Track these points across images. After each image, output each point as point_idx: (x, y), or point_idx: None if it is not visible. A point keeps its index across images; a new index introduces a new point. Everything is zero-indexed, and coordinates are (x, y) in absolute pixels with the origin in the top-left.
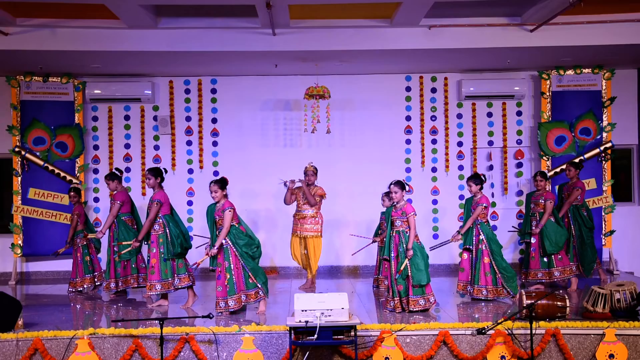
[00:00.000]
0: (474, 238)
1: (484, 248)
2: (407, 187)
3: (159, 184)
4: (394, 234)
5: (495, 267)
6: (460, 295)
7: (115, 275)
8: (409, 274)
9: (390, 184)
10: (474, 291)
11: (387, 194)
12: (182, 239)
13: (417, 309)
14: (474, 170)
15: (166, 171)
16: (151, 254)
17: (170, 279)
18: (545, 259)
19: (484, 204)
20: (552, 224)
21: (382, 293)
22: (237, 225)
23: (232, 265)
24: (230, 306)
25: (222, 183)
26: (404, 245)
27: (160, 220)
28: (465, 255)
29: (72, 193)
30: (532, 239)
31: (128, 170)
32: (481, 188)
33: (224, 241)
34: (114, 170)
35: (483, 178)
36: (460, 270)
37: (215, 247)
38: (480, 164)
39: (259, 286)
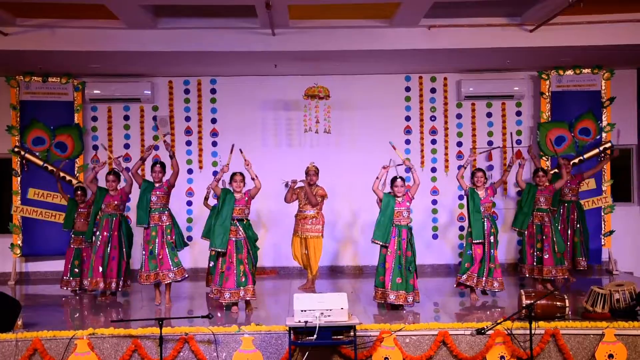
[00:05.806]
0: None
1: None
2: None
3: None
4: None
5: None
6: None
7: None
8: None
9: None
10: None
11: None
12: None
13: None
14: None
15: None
16: (158, 244)
17: (181, 266)
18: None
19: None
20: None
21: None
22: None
23: (243, 259)
24: (239, 297)
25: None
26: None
27: (167, 212)
28: (479, 250)
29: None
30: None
31: (127, 170)
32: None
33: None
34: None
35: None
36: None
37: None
38: (480, 164)
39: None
